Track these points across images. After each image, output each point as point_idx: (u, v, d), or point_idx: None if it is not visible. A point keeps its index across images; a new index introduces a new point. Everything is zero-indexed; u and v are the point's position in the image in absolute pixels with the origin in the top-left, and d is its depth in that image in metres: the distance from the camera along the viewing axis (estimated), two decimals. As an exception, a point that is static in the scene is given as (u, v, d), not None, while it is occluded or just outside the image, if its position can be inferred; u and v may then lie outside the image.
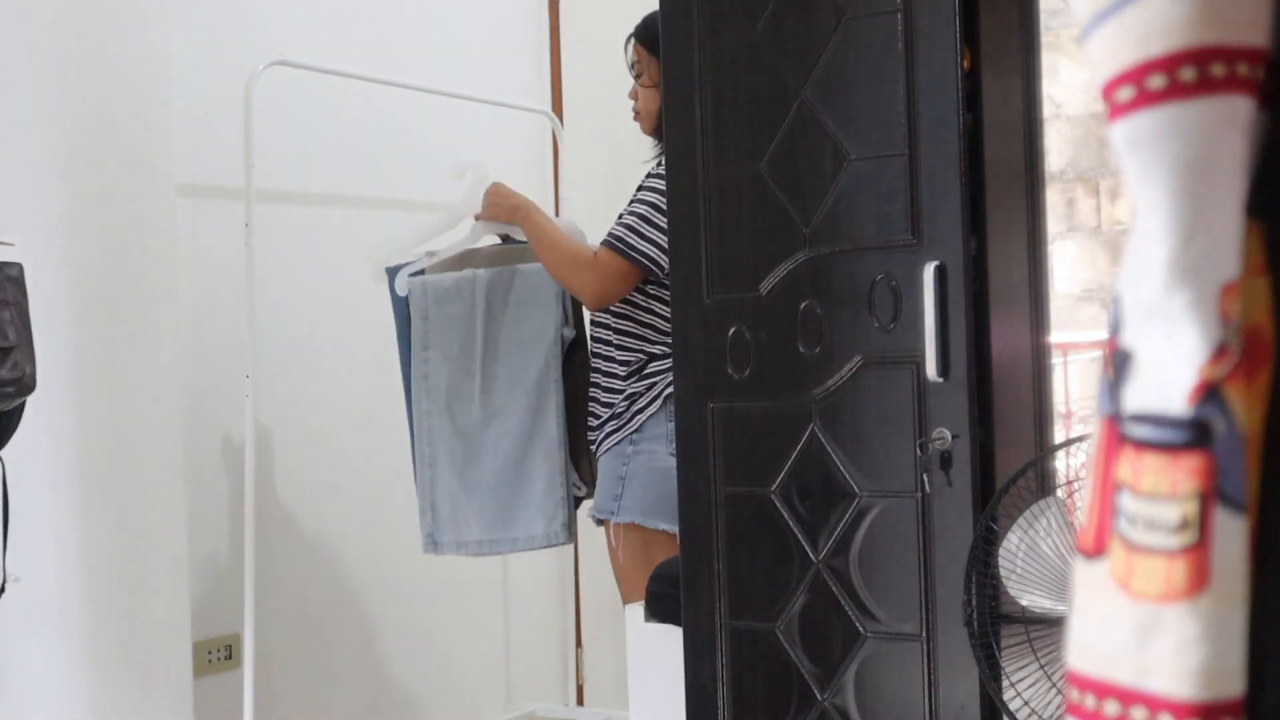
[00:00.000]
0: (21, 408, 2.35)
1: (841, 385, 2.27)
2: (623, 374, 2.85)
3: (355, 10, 3.52)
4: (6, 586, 2.36)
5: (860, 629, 2.26)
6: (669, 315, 2.80)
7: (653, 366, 2.82)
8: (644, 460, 2.80)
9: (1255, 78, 0.65)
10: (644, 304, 2.85)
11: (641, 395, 2.81)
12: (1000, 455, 2.21)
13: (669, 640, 2.51)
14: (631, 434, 2.81)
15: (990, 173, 2.22)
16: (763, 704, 2.37)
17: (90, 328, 2.65)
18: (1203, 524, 0.65)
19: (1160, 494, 0.66)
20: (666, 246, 2.75)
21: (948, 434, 2.16)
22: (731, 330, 2.38)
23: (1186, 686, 0.64)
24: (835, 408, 2.28)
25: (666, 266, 2.79)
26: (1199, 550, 0.65)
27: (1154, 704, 0.66)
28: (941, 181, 2.17)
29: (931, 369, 2.17)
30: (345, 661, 3.46)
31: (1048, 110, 3.63)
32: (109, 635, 2.68)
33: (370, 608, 3.53)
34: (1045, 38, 2.55)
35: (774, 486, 2.33)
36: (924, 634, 2.20)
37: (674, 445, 2.74)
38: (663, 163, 2.79)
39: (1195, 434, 0.65)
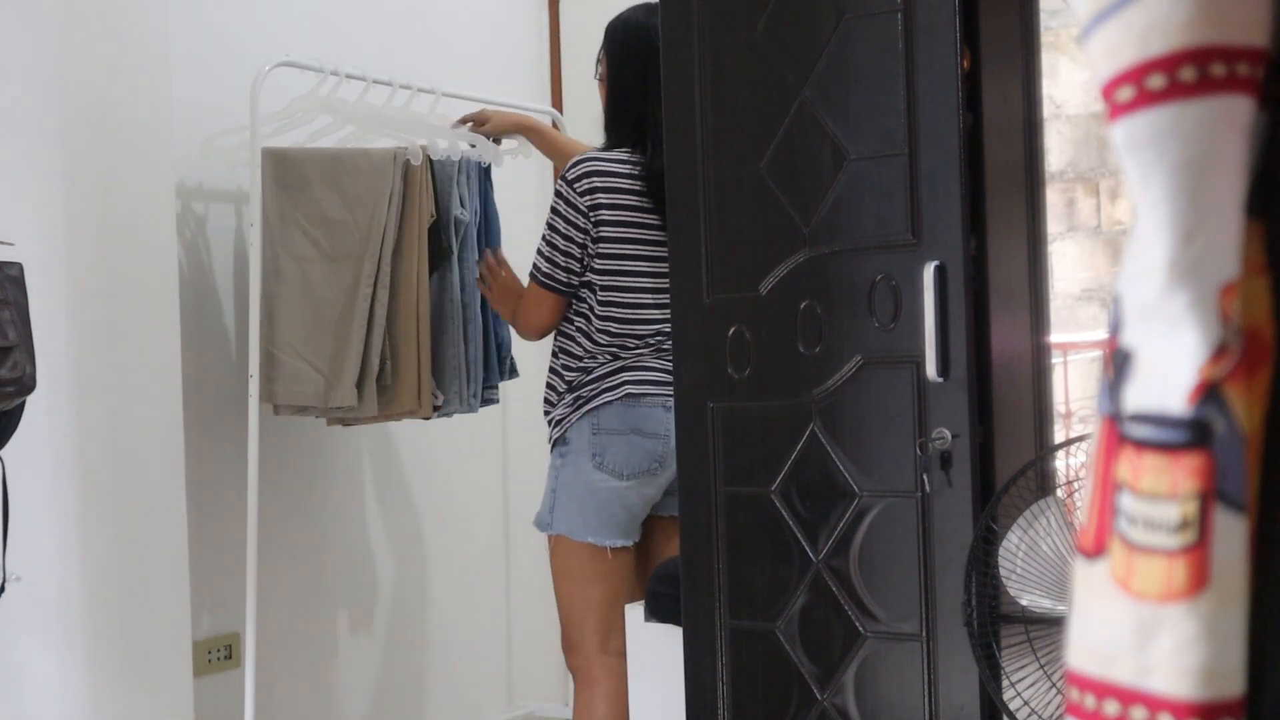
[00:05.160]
0: (21, 408, 2.35)
1: (841, 385, 2.27)
2: (559, 387, 2.87)
3: (359, 12, 3.53)
4: (6, 586, 2.36)
5: (860, 629, 2.26)
6: (591, 330, 2.80)
7: (572, 376, 2.83)
8: (570, 474, 2.82)
9: (1255, 78, 0.65)
10: (567, 316, 2.88)
11: (570, 409, 2.82)
12: (1000, 455, 2.21)
13: (669, 640, 2.51)
14: (558, 443, 2.85)
15: (990, 173, 2.22)
16: (763, 704, 2.37)
17: (90, 328, 2.65)
18: (1203, 524, 0.65)
19: (1160, 494, 0.66)
20: (573, 263, 2.77)
21: (948, 434, 2.16)
22: (731, 330, 2.38)
23: (1186, 686, 0.64)
24: (835, 408, 2.28)
25: (579, 281, 2.81)
26: (1199, 550, 0.65)
27: (1154, 704, 0.66)
28: (941, 181, 2.17)
29: (931, 369, 2.17)
30: (345, 661, 3.46)
31: (1048, 110, 3.63)
32: (109, 635, 2.67)
33: (370, 608, 3.53)
34: (1045, 38, 2.55)
35: (774, 486, 2.33)
36: (924, 634, 2.20)
37: (599, 458, 2.76)
38: (576, 163, 2.82)
39: (1195, 434, 0.65)
